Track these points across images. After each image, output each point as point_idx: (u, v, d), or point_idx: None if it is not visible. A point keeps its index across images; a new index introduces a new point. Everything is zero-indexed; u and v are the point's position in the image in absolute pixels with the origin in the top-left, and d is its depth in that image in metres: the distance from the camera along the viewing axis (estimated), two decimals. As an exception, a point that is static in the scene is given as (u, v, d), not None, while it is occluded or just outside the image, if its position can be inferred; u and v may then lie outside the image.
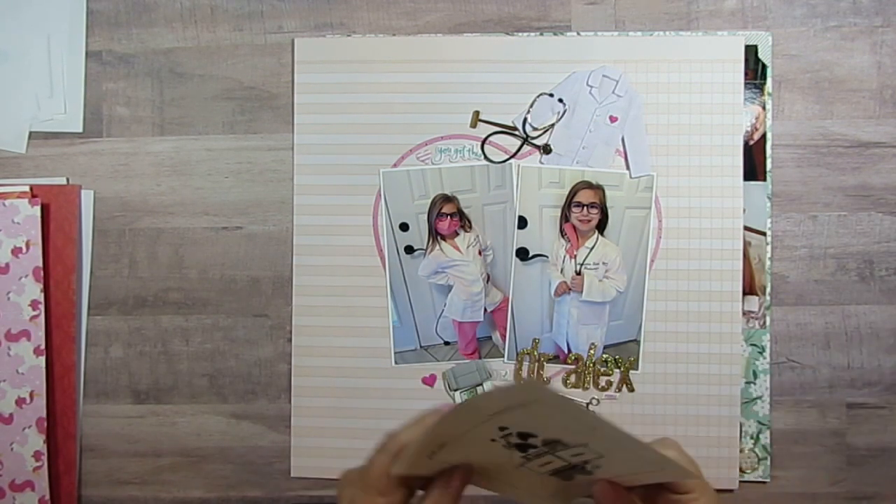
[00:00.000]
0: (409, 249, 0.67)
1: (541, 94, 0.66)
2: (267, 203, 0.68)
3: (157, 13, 0.69)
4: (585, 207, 0.65)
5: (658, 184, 0.65)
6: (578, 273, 0.66)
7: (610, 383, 0.66)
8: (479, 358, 0.67)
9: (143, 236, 0.68)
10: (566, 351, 0.67)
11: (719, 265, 0.65)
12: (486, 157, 0.66)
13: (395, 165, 0.67)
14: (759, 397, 0.65)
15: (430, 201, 0.67)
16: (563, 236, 0.66)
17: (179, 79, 0.69)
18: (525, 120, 0.66)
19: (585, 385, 0.66)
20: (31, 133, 0.68)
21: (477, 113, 0.66)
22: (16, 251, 0.66)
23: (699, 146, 0.65)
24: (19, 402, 0.66)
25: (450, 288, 0.67)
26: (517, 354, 0.67)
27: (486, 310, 0.67)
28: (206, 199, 0.68)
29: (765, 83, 0.65)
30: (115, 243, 0.68)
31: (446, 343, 0.68)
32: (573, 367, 0.66)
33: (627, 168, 0.65)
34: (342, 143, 0.67)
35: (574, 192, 0.66)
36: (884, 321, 0.65)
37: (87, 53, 0.69)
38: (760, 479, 0.65)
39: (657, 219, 0.65)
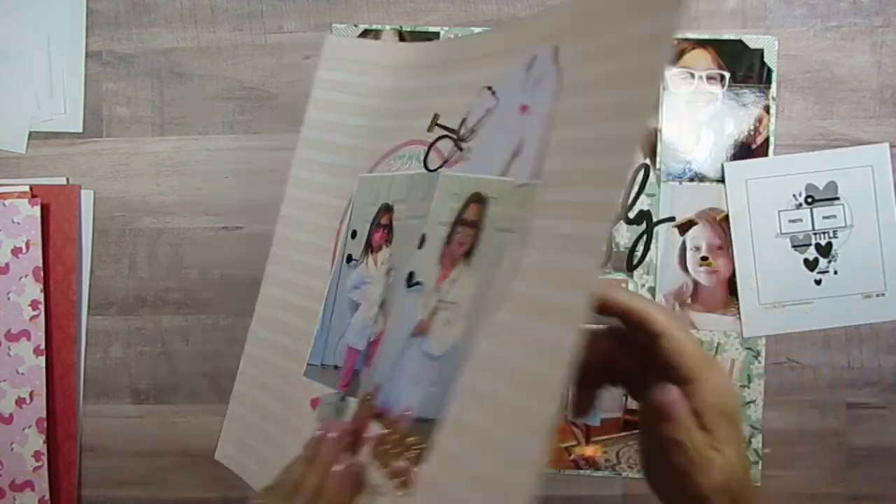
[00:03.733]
0: (349, 258, 0.61)
1: (484, 87, 0.52)
2: (267, 203, 0.68)
3: (157, 13, 0.69)
4: (466, 226, 0.50)
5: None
6: (434, 312, 0.50)
7: (400, 472, 0.45)
8: (348, 392, 0.56)
9: (143, 236, 0.68)
10: (390, 410, 0.50)
11: None
12: (425, 165, 0.56)
13: (370, 170, 0.61)
14: (753, 401, 0.65)
15: (376, 209, 0.59)
16: (441, 262, 0.51)
17: (179, 79, 0.69)
18: (463, 119, 0.53)
19: (384, 463, 0.46)
20: (31, 133, 0.68)
21: (436, 116, 0.56)
22: (16, 251, 0.66)
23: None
24: (19, 402, 0.66)
25: (357, 307, 0.58)
26: (361, 398, 0.53)
27: (369, 339, 0.56)
28: (206, 199, 0.68)
29: (769, 87, 0.65)
30: (115, 243, 0.68)
31: (335, 367, 0.58)
32: (387, 432, 0.49)
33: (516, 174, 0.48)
34: (338, 144, 0.65)
35: (465, 206, 0.51)
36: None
37: (87, 53, 0.69)
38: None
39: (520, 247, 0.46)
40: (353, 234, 0.62)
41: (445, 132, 0.56)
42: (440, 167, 0.56)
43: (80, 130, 0.69)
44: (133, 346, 0.69)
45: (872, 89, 0.65)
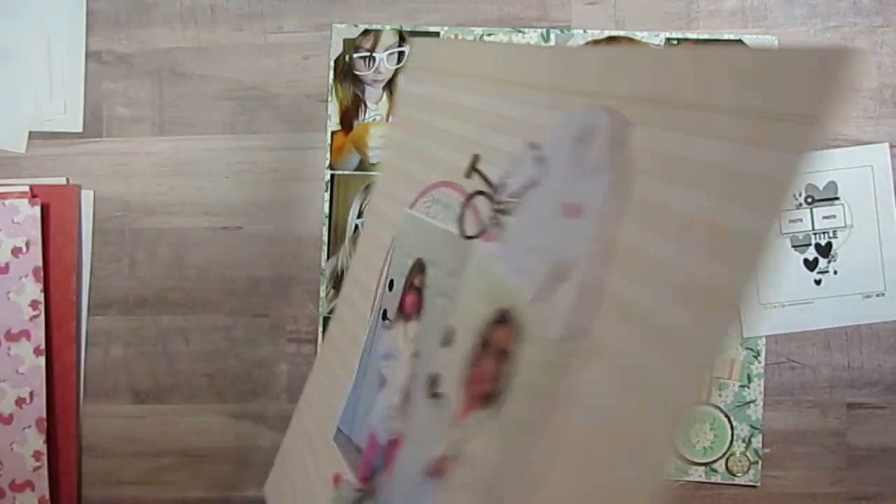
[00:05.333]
0: (385, 315, 0.50)
1: (528, 144, 0.39)
2: (267, 203, 0.68)
3: (157, 13, 0.69)
4: (495, 358, 0.36)
5: None
6: (452, 457, 0.38)
7: None
8: (364, 493, 0.45)
9: (143, 236, 0.68)
10: None
11: None
12: (461, 227, 0.43)
13: (411, 206, 0.50)
14: (753, 401, 0.65)
15: (411, 264, 0.48)
16: (465, 385, 0.39)
17: (179, 79, 0.69)
18: (506, 178, 0.41)
19: None
20: (31, 133, 0.68)
21: (476, 158, 0.44)
22: (16, 251, 0.66)
23: None
24: (19, 402, 0.66)
25: (384, 383, 0.48)
26: None
27: (389, 437, 0.45)
28: (206, 199, 0.68)
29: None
30: (115, 243, 0.68)
31: (357, 449, 0.48)
32: None
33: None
34: (405, 170, 0.53)
35: (492, 322, 0.37)
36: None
37: (87, 53, 0.69)
38: (751, 483, 0.65)
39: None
40: (391, 286, 0.50)
41: (483, 188, 0.42)
42: (475, 237, 0.42)
43: (80, 130, 0.69)
44: (133, 346, 0.69)
45: (872, 89, 0.66)
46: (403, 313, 0.48)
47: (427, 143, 0.51)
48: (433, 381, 0.41)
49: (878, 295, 0.65)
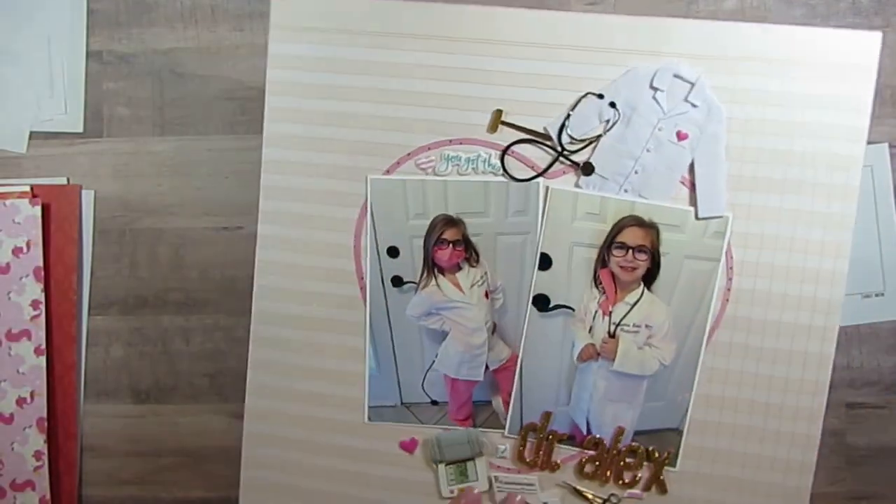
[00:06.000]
0: (398, 281, 0.54)
1: (587, 94, 0.51)
2: (267, 203, 0.68)
3: (157, 13, 0.69)
4: (631, 251, 0.51)
5: (734, 229, 0.51)
6: (612, 335, 0.52)
7: (637, 479, 0.53)
8: (473, 426, 0.55)
9: (144, 236, 0.68)
10: (585, 432, 0.54)
11: (803, 345, 0.52)
12: (505, 172, 0.52)
13: (387, 172, 0.53)
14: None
15: (428, 223, 0.53)
16: (597, 285, 0.52)
17: (180, 79, 0.69)
18: (562, 127, 0.51)
19: (605, 478, 0.53)
20: (31, 133, 0.69)
21: (499, 113, 0.52)
22: (16, 251, 0.66)
23: (798, 183, 0.50)
24: (20, 401, 0.66)
25: (444, 335, 0.54)
26: (521, 428, 0.54)
27: (487, 367, 0.54)
28: (206, 199, 0.68)
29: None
30: (116, 243, 0.69)
31: (434, 402, 0.55)
32: (592, 452, 0.53)
33: (693, 204, 0.51)
34: (322, 138, 0.54)
35: (618, 229, 0.51)
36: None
37: (87, 53, 0.69)
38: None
39: (726, 276, 0.51)
40: (393, 252, 0.54)
41: (529, 137, 0.51)
42: (534, 178, 0.51)
43: (81, 130, 0.69)
44: (133, 346, 0.69)
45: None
46: (438, 268, 0.54)
47: (376, 108, 0.54)
48: (543, 300, 0.52)
49: (877, 295, 0.65)
